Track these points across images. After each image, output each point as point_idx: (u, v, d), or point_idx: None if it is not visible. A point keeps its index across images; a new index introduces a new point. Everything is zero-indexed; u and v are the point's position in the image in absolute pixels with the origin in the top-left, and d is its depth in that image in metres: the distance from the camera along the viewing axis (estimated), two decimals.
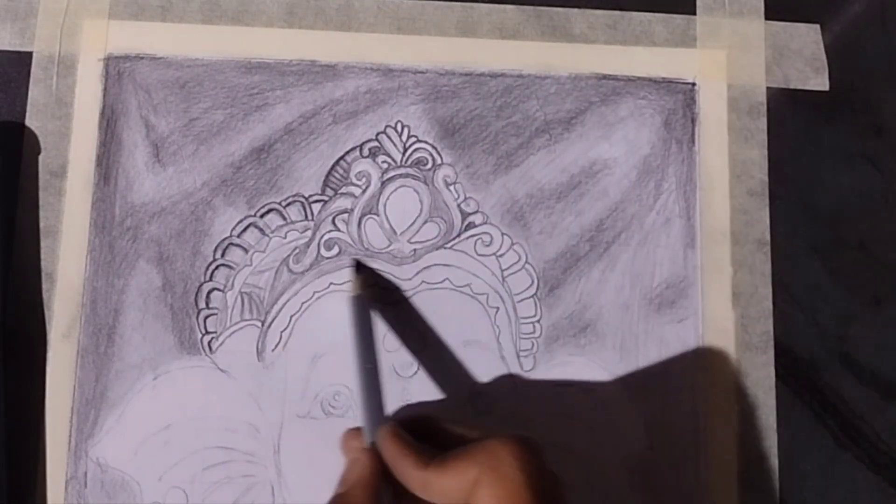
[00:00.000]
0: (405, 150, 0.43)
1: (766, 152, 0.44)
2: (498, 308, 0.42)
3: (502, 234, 0.43)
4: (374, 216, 0.42)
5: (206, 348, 0.41)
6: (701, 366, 0.42)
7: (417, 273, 0.42)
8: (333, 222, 0.42)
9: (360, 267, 0.41)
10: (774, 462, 0.41)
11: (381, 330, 0.41)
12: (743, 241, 0.43)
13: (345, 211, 0.42)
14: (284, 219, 0.42)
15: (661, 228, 0.43)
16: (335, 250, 0.42)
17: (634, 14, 0.45)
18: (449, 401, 0.41)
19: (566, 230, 0.43)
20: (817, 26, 0.45)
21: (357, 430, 0.37)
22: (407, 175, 0.43)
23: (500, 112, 0.43)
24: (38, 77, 0.43)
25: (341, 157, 0.43)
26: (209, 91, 0.43)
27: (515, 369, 0.42)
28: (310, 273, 0.42)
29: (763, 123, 0.44)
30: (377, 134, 0.43)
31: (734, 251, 0.43)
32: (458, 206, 0.43)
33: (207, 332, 0.41)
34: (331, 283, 0.42)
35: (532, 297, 0.42)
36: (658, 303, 0.42)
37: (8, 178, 0.42)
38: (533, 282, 0.42)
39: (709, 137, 0.44)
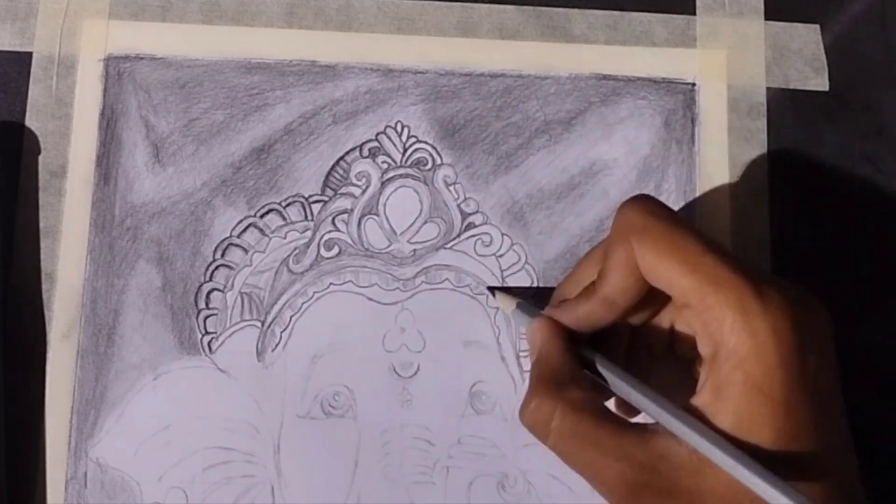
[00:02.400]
0: (405, 150, 0.43)
1: (766, 152, 0.44)
2: (498, 308, 0.42)
3: (502, 234, 0.43)
4: (374, 216, 0.42)
5: (206, 348, 0.41)
6: None
7: (417, 273, 0.42)
8: (333, 222, 0.42)
9: (493, 290, 0.42)
10: None
11: (381, 330, 0.42)
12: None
13: (345, 211, 0.42)
14: (284, 219, 0.42)
15: None
16: (335, 250, 0.42)
17: (634, 14, 0.45)
18: (449, 401, 0.41)
19: (566, 230, 0.43)
20: (817, 26, 0.45)
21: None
22: (407, 175, 0.43)
23: (500, 112, 0.43)
24: (37, 77, 0.43)
25: (341, 158, 0.43)
26: (209, 91, 0.43)
27: (515, 369, 0.42)
28: (310, 273, 0.42)
29: (763, 123, 0.44)
30: (377, 134, 0.43)
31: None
32: (458, 206, 0.43)
33: (207, 333, 0.41)
34: (331, 284, 0.42)
35: (532, 297, 0.42)
36: None
37: (8, 178, 0.42)
38: (533, 282, 0.42)
39: (709, 138, 0.44)
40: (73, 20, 0.43)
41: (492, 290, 0.42)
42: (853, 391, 0.42)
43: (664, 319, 0.36)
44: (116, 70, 0.43)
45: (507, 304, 0.40)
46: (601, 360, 0.34)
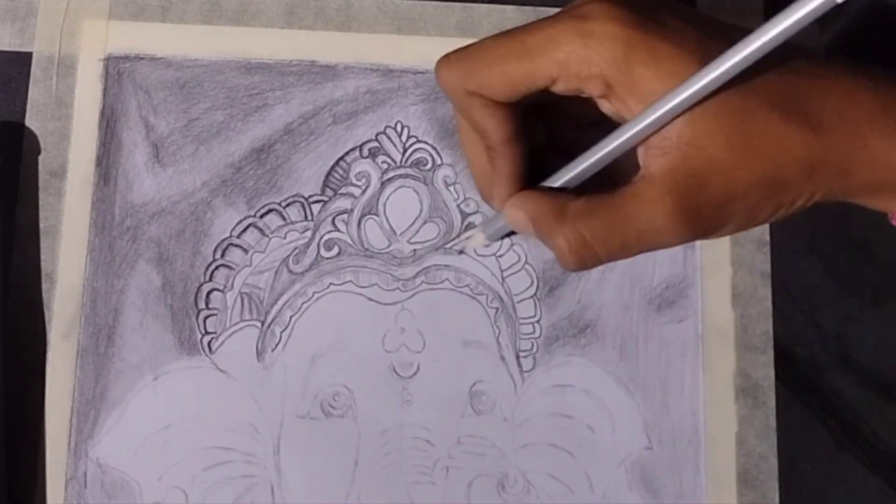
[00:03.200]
0: (405, 150, 0.43)
1: None
2: (498, 308, 0.42)
3: None
4: (374, 216, 0.42)
5: (206, 349, 0.41)
6: (701, 366, 0.42)
7: (417, 273, 0.42)
8: (333, 223, 0.42)
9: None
10: (774, 462, 0.41)
11: (381, 330, 0.42)
12: (743, 241, 0.43)
13: (344, 211, 0.42)
14: (284, 219, 0.42)
15: None
16: (335, 250, 0.42)
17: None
18: (449, 401, 0.41)
19: None
20: (817, 26, 0.45)
21: None
22: (407, 175, 0.43)
23: None
24: (37, 77, 0.43)
25: (341, 158, 0.43)
26: (209, 91, 0.43)
27: (515, 370, 0.42)
28: (309, 273, 0.42)
29: None
30: (377, 134, 0.43)
31: (734, 251, 0.43)
32: (458, 206, 0.43)
33: (207, 333, 0.41)
34: (331, 284, 0.42)
35: (532, 297, 0.42)
36: (658, 303, 0.42)
37: (8, 178, 0.42)
38: (533, 282, 0.42)
39: None
40: (73, 20, 0.43)
41: (460, 252, 0.42)
42: (853, 391, 0.42)
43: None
44: (116, 70, 0.43)
45: (476, 238, 0.40)
46: (557, 175, 0.34)
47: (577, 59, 0.31)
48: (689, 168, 0.32)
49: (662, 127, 0.31)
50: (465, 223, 0.43)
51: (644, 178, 0.32)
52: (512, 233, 0.38)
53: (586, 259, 0.33)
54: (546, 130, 0.37)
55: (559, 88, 0.33)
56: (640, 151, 0.33)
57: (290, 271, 0.42)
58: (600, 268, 0.42)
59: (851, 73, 0.33)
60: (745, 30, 0.31)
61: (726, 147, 0.31)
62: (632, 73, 0.31)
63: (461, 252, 0.42)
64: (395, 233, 0.42)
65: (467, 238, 0.41)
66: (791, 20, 0.29)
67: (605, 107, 0.34)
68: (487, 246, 0.42)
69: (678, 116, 0.31)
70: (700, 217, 0.32)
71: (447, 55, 0.34)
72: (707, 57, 0.31)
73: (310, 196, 0.43)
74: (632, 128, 0.32)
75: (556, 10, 0.44)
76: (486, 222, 0.39)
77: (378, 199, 0.43)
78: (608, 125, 0.34)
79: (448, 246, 0.42)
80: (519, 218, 0.35)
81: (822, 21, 0.45)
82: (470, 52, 0.33)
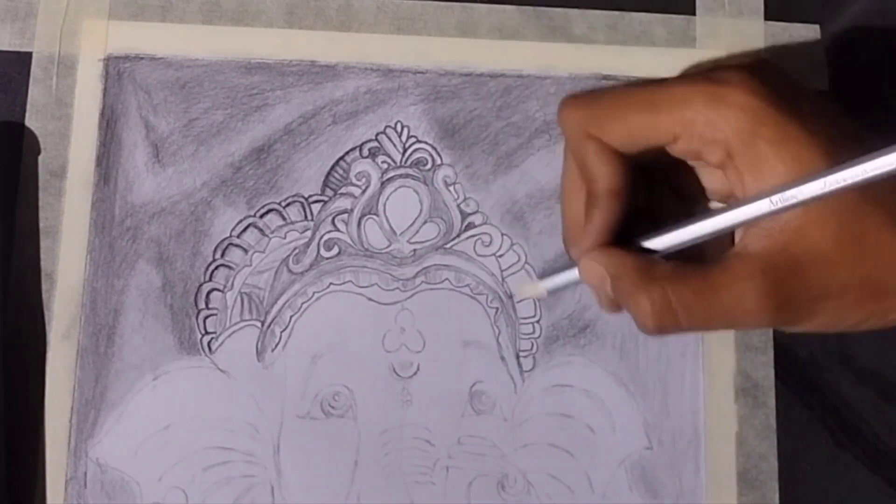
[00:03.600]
0: (405, 150, 0.43)
1: None
2: (498, 308, 0.42)
3: (502, 234, 0.43)
4: (374, 216, 0.43)
5: (206, 349, 0.41)
6: (701, 366, 0.42)
7: (417, 273, 0.42)
8: (333, 222, 0.42)
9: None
10: (774, 462, 0.41)
11: (381, 330, 0.42)
12: None
13: (344, 211, 0.42)
14: (284, 219, 0.42)
15: None
16: (335, 250, 0.42)
17: (634, 14, 0.45)
18: (448, 401, 0.41)
19: None
20: (817, 26, 0.45)
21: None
22: (407, 175, 0.43)
23: (499, 112, 0.44)
24: (37, 77, 0.43)
25: (341, 158, 0.43)
26: (209, 91, 0.43)
27: (515, 369, 0.42)
28: (309, 273, 0.42)
29: None
30: (377, 134, 0.43)
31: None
32: (458, 206, 0.43)
33: (207, 333, 0.41)
34: (330, 284, 0.42)
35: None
36: None
37: (8, 178, 0.42)
38: (533, 282, 0.42)
39: None
40: (73, 20, 0.43)
41: (518, 299, 0.42)
42: (853, 391, 0.42)
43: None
44: (116, 70, 0.43)
45: (534, 289, 0.39)
46: (653, 237, 0.34)
47: (704, 120, 0.31)
48: (789, 254, 0.31)
49: (775, 214, 0.31)
50: (465, 223, 0.43)
51: (740, 256, 0.32)
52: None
53: (667, 324, 0.32)
54: (646, 193, 0.36)
55: (679, 148, 0.33)
56: (740, 229, 0.32)
57: (290, 271, 0.42)
58: None
59: None
60: (872, 138, 0.31)
61: (834, 242, 0.31)
62: (755, 147, 0.31)
63: (520, 301, 0.42)
64: (395, 233, 0.42)
65: (529, 286, 0.41)
66: None
67: (715, 180, 0.34)
68: (542, 297, 0.41)
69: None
70: (790, 306, 0.31)
71: (573, 95, 0.34)
72: (835, 152, 0.30)
73: (310, 196, 0.43)
74: (744, 210, 0.31)
75: (557, 10, 0.44)
76: (551, 276, 0.38)
77: (378, 199, 0.43)
78: (707, 201, 0.34)
79: (516, 298, 0.42)
80: (596, 272, 0.34)
81: (822, 22, 0.45)
82: (597, 97, 0.33)
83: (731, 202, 0.33)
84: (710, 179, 0.35)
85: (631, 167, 0.34)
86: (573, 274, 0.37)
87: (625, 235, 0.35)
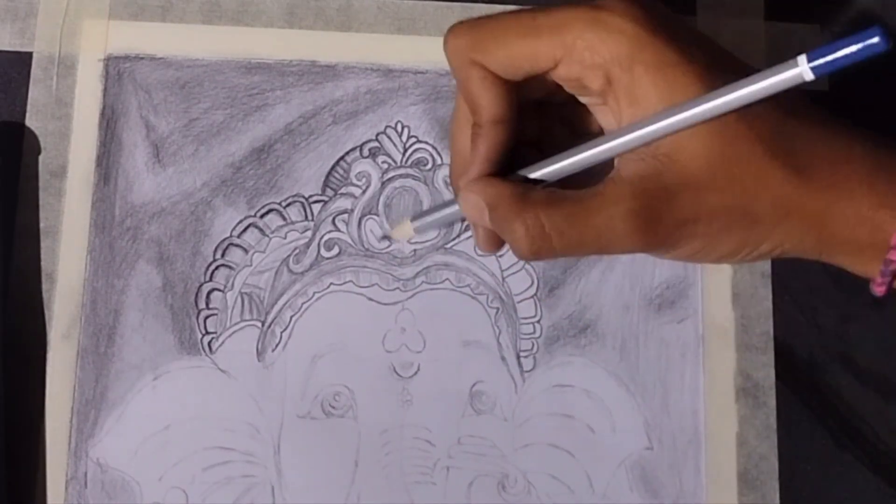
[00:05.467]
0: (405, 150, 0.43)
1: None
2: (498, 308, 0.42)
3: None
4: (374, 216, 0.42)
5: (206, 349, 0.41)
6: (701, 366, 0.42)
7: (417, 273, 0.42)
8: (333, 222, 0.42)
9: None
10: (774, 462, 0.41)
11: (381, 330, 0.42)
12: None
13: (345, 211, 0.42)
14: (284, 219, 0.42)
15: None
16: (335, 250, 0.42)
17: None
18: (449, 401, 0.41)
19: None
20: (817, 26, 0.45)
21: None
22: (407, 175, 0.43)
23: None
24: (38, 77, 0.43)
25: (341, 158, 0.43)
26: (209, 91, 0.43)
27: (515, 370, 0.42)
28: (310, 273, 0.42)
29: None
30: (377, 134, 0.43)
31: None
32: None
33: (207, 333, 0.41)
34: (331, 284, 0.42)
35: (532, 297, 0.42)
36: (658, 303, 0.42)
37: (8, 178, 0.42)
38: (533, 282, 0.42)
39: None
40: (73, 20, 0.43)
41: (385, 238, 0.42)
42: (853, 391, 0.42)
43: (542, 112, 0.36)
44: (116, 70, 0.43)
45: (404, 229, 0.39)
46: (529, 168, 0.34)
47: (583, 44, 0.31)
48: (660, 179, 0.31)
49: (648, 143, 0.31)
50: (465, 223, 0.43)
51: (612, 180, 0.32)
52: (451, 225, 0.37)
53: (541, 249, 0.32)
54: (538, 130, 0.36)
55: (561, 74, 0.33)
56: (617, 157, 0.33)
57: (290, 271, 0.42)
58: (600, 267, 0.42)
59: (849, 130, 0.32)
60: (752, 68, 0.31)
61: (704, 167, 0.31)
62: (632, 72, 0.31)
63: (388, 240, 0.42)
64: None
65: (400, 226, 0.40)
66: (799, 69, 0.29)
67: (607, 117, 0.34)
68: (411, 237, 0.41)
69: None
70: (659, 229, 0.32)
71: (459, 23, 0.34)
72: (710, 79, 0.30)
73: (310, 196, 0.43)
74: (617, 138, 0.32)
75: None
76: (422, 213, 0.38)
77: (378, 199, 0.43)
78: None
79: (381, 240, 0.42)
80: (474, 203, 0.34)
81: (822, 21, 0.45)
82: (480, 23, 0.33)
83: (609, 133, 0.33)
84: (603, 118, 0.35)
85: (517, 96, 0.34)
86: (449, 210, 0.37)
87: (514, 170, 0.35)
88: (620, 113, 0.32)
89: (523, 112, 0.34)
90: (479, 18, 0.33)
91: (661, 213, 0.31)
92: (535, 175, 0.34)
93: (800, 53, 0.29)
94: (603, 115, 0.35)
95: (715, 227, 0.32)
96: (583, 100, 0.35)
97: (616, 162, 0.32)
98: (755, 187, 0.31)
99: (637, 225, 0.31)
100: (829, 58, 0.28)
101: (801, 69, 0.28)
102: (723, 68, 0.31)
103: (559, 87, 0.34)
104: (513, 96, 0.33)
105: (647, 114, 0.31)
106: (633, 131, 0.31)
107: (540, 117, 0.36)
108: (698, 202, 0.31)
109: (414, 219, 0.38)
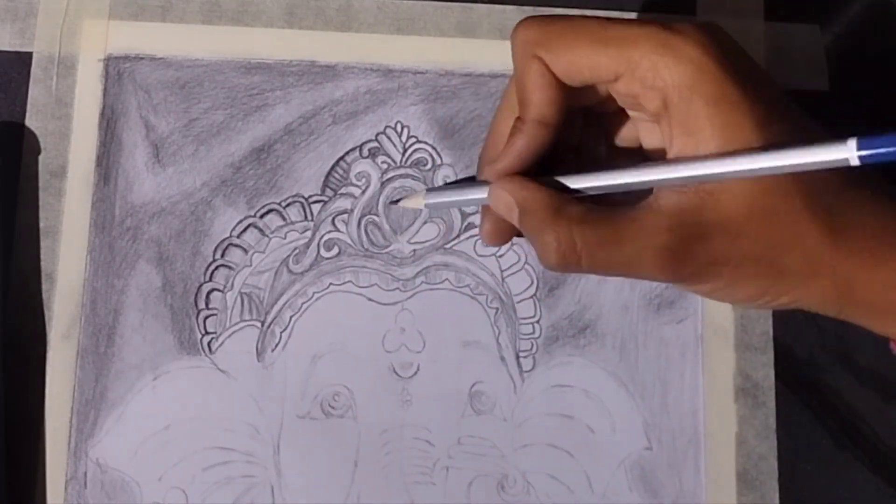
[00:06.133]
0: (405, 150, 0.43)
1: None
2: (497, 308, 0.42)
3: None
4: (374, 216, 0.43)
5: (206, 349, 0.41)
6: (701, 366, 0.42)
7: (417, 273, 0.42)
8: (333, 223, 0.42)
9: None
10: (774, 462, 0.41)
11: (381, 330, 0.42)
12: None
13: (344, 211, 0.42)
14: (284, 219, 0.42)
15: None
16: (335, 251, 0.42)
17: (634, 14, 0.45)
18: (448, 401, 0.41)
19: None
20: (817, 26, 0.45)
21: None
22: (407, 175, 0.43)
23: None
24: (38, 77, 0.43)
25: (341, 158, 0.43)
26: (209, 91, 0.43)
27: (515, 370, 0.42)
28: (309, 273, 0.42)
29: None
30: (377, 134, 0.43)
31: None
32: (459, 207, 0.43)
33: (207, 333, 0.41)
34: (330, 284, 0.42)
35: (532, 297, 0.42)
36: (658, 303, 0.42)
37: (8, 178, 0.42)
38: (532, 282, 0.42)
39: None
40: (73, 20, 0.43)
41: (396, 201, 0.42)
42: (853, 391, 0.42)
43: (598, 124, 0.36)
44: (116, 70, 0.43)
45: (416, 201, 0.39)
46: (570, 176, 0.34)
47: (648, 64, 0.31)
48: (698, 215, 0.31)
49: (692, 183, 0.31)
50: (465, 223, 0.43)
51: (651, 208, 0.32)
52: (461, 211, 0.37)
53: (569, 264, 0.32)
54: (580, 136, 0.36)
55: (619, 88, 0.32)
56: None
57: (290, 271, 0.42)
58: None
59: (888, 193, 0.32)
60: (804, 117, 0.31)
61: (744, 212, 0.31)
62: (691, 103, 0.31)
63: (396, 203, 0.42)
64: (395, 233, 0.42)
65: (413, 197, 0.40)
66: (833, 156, 0.28)
67: (652, 137, 0.34)
68: (420, 210, 0.41)
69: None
70: (689, 267, 0.32)
71: (531, 17, 0.34)
72: (766, 124, 0.30)
73: (310, 196, 0.43)
74: (664, 172, 0.31)
75: (554, 10, 0.44)
76: (437, 191, 0.38)
77: (378, 200, 0.43)
78: (641, 157, 0.34)
79: (391, 202, 0.42)
80: (505, 201, 0.34)
81: (822, 22, 0.45)
82: (552, 21, 0.33)
83: (656, 161, 0.33)
84: (648, 136, 0.35)
85: (567, 104, 0.33)
86: (466, 196, 0.36)
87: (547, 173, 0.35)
88: (672, 139, 0.32)
89: (568, 116, 0.34)
90: (552, 17, 0.33)
91: (693, 253, 0.31)
92: (572, 185, 0.34)
93: (851, 135, 0.28)
94: (648, 134, 0.35)
95: (740, 273, 0.32)
96: (632, 114, 0.34)
97: (655, 188, 0.32)
98: (789, 242, 0.31)
99: (667, 260, 0.31)
100: (882, 150, 0.27)
101: (849, 155, 0.28)
102: (780, 115, 0.31)
103: (611, 98, 0.34)
104: (564, 101, 0.33)
105: (698, 147, 0.31)
106: (681, 170, 0.31)
107: (584, 124, 0.36)
108: (730, 246, 0.31)
109: (429, 191, 0.38)
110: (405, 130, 0.43)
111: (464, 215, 0.43)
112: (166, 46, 0.44)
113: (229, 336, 0.41)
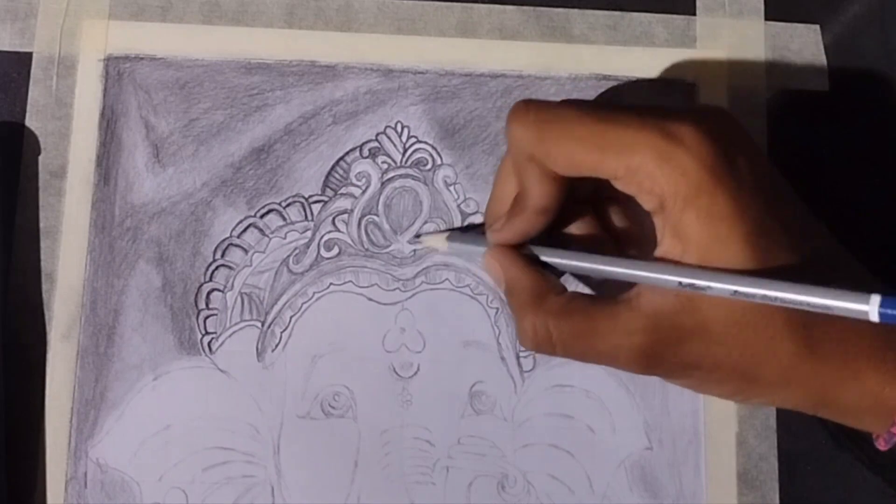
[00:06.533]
0: (405, 150, 0.43)
1: (766, 152, 0.44)
2: (498, 308, 0.42)
3: None
4: (374, 216, 0.43)
5: (206, 349, 0.41)
6: None
7: (417, 273, 0.42)
8: (333, 223, 0.42)
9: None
10: (774, 462, 0.41)
11: (381, 330, 0.42)
12: None
13: (344, 211, 0.42)
14: (284, 219, 0.42)
15: None
16: (335, 251, 0.42)
17: (634, 14, 0.45)
18: (449, 401, 0.41)
19: None
20: (817, 26, 0.45)
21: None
22: (407, 175, 0.43)
23: (500, 113, 0.43)
24: (38, 77, 0.43)
25: (341, 158, 0.43)
26: (209, 91, 0.43)
27: (515, 370, 0.42)
28: (310, 273, 0.42)
29: (763, 123, 0.44)
30: (377, 134, 0.43)
31: None
32: (458, 206, 0.43)
33: (207, 333, 0.41)
34: (331, 284, 0.42)
35: None
36: None
37: (8, 178, 0.42)
38: (440, 235, 0.42)
39: None
40: (73, 20, 0.43)
41: (417, 236, 0.42)
42: None
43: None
44: (116, 70, 0.43)
45: (438, 241, 0.41)
46: (559, 254, 0.35)
47: (646, 172, 0.31)
48: (675, 318, 0.32)
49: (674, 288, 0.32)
50: (465, 224, 0.43)
51: (629, 306, 0.33)
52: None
53: (542, 350, 0.34)
54: (584, 217, 0.37)
55: (618, 186, 0.33)
56: None
57: (290, 271, 0.42)
58: None
59: None
60: (808, 221, 0.32)
61: (721, 321, 0.31)
62: (684, 213, 0.31)
63: (417, 237, 0.42)
64: (395, 233, 0.42)
65: (435, 237, 0.41)
66: (851, 307, 0.28)
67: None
68: (440, 251, 0.42)
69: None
70: (660, 367, 0.33)
71: (526, 105, 0.34)
72: (755, 239, 0.31)
73: (310, 196, 0.43)
74: (648, 271, 0.32)
75: (557, 10, 0.44)
76: (459, 235, 0.40)
77: (378, 200, 0.43)
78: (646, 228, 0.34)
79: (412, 239, 0.42)
80: (495, 272, 0.36)
81: (822, 22, 0.45)
82: (547, 118, 0.33)
83: (645, 259, 0.33)
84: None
85: (567, 189, 0.34)
86: (479, 248, 0.38)
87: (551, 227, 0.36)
88: (663, 237, 0.32)
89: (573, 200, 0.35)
90: (547, 111, 0.33)
91: (666, 355, 0.32)
92: (556, 263, 0.35)
93: (873, 291, 0.28)
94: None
95: (713, 377, 0.33)
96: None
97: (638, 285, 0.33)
98: (764, 354, 0.31)
99: (640, 359, 0.32)
100: None
101: (870, 309, 0.28)
102: (774, 227, 0.31)
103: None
104: (563, 191, 0.34)
105: (684, 254, 0.32)
106: (666, 273, 0.31)
107: (587, 207, 0.37)
108: (704, 352, 0.32)
109: (450, 238, 0.40)
110: (405, 130, 0.43)
111: (464, 215, 0.43)
112: (166, 46, 0.44)
113: (229, 336, 0.41)
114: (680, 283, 0.31)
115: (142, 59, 0.43)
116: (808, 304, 0.29)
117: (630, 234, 0.38)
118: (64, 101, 0.43)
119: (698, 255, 0.31)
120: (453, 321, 0.42)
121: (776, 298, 0.30)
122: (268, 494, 0.40)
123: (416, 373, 0.41)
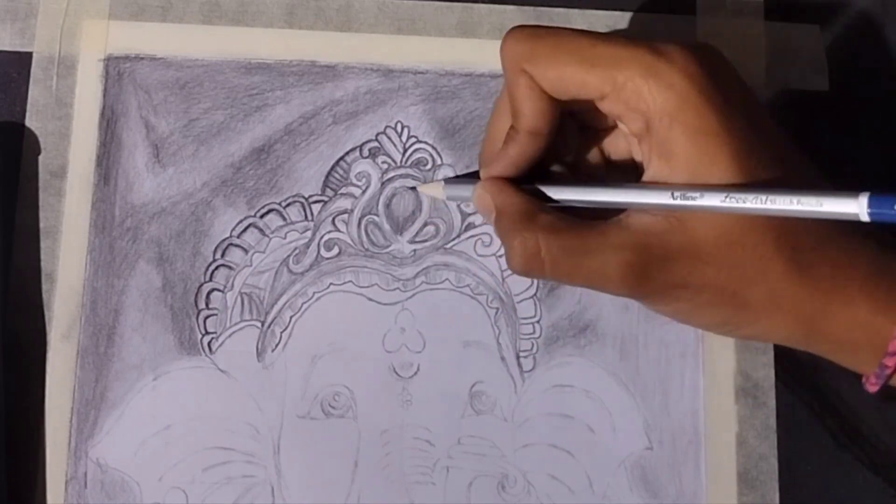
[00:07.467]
0: (405, 150, 0.43)
1: None
2: (498, 308, 0.42)
3: None
4: (374, 216, 0.43)
5: (206, 349, 0.41)
6: (701, 366, 0.42)
7: (417, 273, 0.42)
8: (333, 223, 0.42)
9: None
10: (774, 462, 0.41)
11: (381, 330, 0.42)
12: None
13: (345, 211, 0.42)
14: (284, 219, 0.42)
15: None
16: (335, 251, 0.42)
17: (634, 14, 0.45)
18: (449, 401, 0.41)
19: None
20: (817, 26, 0.45)
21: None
22: (407, 175, 0.43)
23: None
24: (38, 77, 0.43)
25: (341, 158, 0.43)
26: (209, 91, 0.43)
27: (515, 370, 0.42)
28: (310, 273, 0.42)
29: None
30: (377, 134, 0.43)
31: None
32: (458, 206, 0.43)
33: (207, 333, 0.41)
34: (331, 284, 0.42)
35: (532, 297, 0.42)
36: None
37: (8, 178, 0.42)
38: (533, 282, 0.42)
39: None
40: (73, 20, 0.43)
41: (413, 188, 0.42)
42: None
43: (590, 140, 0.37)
44: (116, 70, 0.43)
45: (435, 189, 0.41)
46: (550, 186, 0.35)
47: (633, 87, 0.31)
48: (664, 238, 0.31)
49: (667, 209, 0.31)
50: (465, 223, 0.43)
51: (619, 224, 0.32)
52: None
53: (532, 270, 0.33)
54: (579, 149, 0.37)
55: (604, 106, 0.33)
56: None
57: (290, 271, 0.42)
58: None
59: (859, 235, 0.32)
60: (790, 146, 0.31)
61: (711, 241, 0.31)
62: (671, 130, 0.31)
63: (413, 189, 0.42)
64: (395, 233, 0.42)
65: (432, 185, 0.42)
66: (842, 209, 0.28)
67: (636, 150, 0.34)
68: (443, 199, 0.42)
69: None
70: (648, 286, 0.32)
71: (521, 27, 0.34)
72: (744, 156, 0.30)
73: (310, 196, 0.43)
74: (636, 195, 0.32)
75: (557, 10, 0.44)
76: (455, 180, 0.40)
77: (378, 200, 0.43)
78: (634, 174, 0.34)
79: (411, 185, 0.42)
80: (485, 203, 0.35)
81: (822, 22, 0.45)
82: (540, 35, 0.33)
83: (635, 183, 0.33)
84: (636, 152, 0.35)
85: (558, 113, 0.34)
86: (469, 191, 0.38)
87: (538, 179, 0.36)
88: (650, 161, 0.32)
89: (566, 134, 0.35)
90: (541, 29, 0.34)
91: (654, 272, 0.32)
92: (550, 194, 0.35)
93: (862, 190, 0.28)
94: (637, 150, 0.35)
95: (701, 300, 0.32)
96: (622, 127, 0.35)
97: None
98: (753, 275, 0.31)
99: (628, 277, 0.32)
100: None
101: (859, 210, 0.28)
102: (760, 145, 0.31)
103: (604, 114, 0.34)
104: (555, 113, 0.34)
105: (672, 174, 0.31)
106: (654, 196, 0.31)
107: (581, 137, 0.36)
108: (693, 272, 0.32)
109: (447, 184, 0.40)
110: (405, 130, 0.43)
111: (464, 216, 0.43)
112: (166, 46, 0.44)
113: (229, 336, 0.41)
114: (672, 194, 0.31)
115: (142, 59, 0.43)
116: (799, 211, 0.29)
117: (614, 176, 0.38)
118: (64, 101, 0.43)
119: (686, 172, 0.31)
120: (453, 321, 0.42)
121: (766, 207, 0.29)
122: (268, 494, 0.40)
123: (416, 373, 0.41)
